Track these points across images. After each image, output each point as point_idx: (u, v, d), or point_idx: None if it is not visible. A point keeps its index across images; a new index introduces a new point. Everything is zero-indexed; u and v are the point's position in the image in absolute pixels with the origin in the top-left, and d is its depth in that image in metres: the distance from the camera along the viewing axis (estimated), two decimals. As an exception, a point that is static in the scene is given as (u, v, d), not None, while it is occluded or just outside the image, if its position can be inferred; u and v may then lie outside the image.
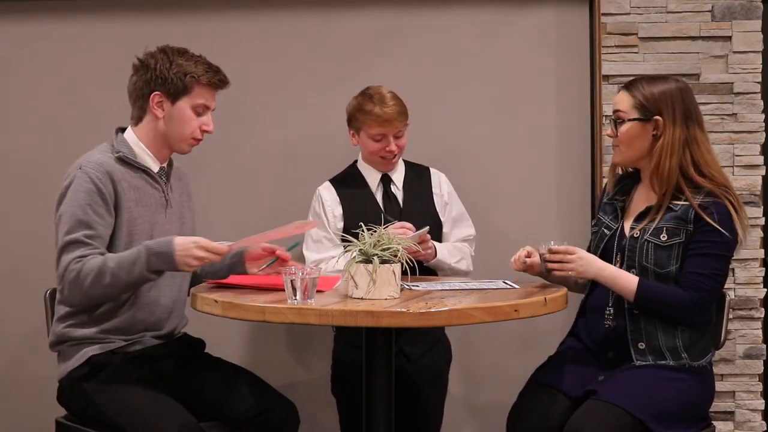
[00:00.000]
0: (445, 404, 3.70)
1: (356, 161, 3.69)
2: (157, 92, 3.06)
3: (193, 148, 3.15)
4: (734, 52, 3.83)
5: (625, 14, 3.84)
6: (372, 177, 3.64)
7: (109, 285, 2.92)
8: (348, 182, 3.65)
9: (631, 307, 3.01)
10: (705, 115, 3.79)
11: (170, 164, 3.20)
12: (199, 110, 3.09)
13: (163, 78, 3.05)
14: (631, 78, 3.20)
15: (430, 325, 2.67)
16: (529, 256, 3.13)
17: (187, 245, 2.91)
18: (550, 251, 3.02)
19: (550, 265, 3.01)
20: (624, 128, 3.06)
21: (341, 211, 3.59)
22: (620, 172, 3.21)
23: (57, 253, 2.96)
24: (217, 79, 3.09)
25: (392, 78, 3.95)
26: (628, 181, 3.18)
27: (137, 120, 3.12)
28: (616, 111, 3.09)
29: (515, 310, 2.75)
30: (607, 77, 3.82)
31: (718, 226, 2.96)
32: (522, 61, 3.98)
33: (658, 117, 3.04)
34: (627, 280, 2.99)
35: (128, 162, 3.07)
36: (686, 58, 3.84)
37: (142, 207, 3.07)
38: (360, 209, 3.53)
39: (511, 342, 3.97)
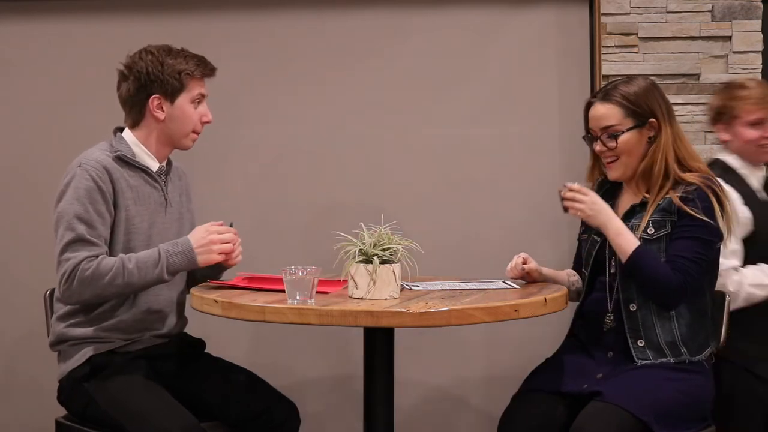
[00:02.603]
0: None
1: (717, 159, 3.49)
2: (155, 95, 3.06)
3: (193, 145, 3.16)
4: (734, 52, 3.83)
5: (625, 14, 3.84)
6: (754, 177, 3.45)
7: (125, 284, 2.93)
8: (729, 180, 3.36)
9: (627, 303, 3.02)
10: (705, 115, 3.82)
11: (169, 163, 3.20)
12: (197, 100, 3.11)
13: (159, 80, 3.05)
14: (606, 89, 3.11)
15: (430, 325, 2.67)
16: (525, 262, 3.14)
17: (201, 235, 2.99)
18: (568, 188, 3.02)
19: (566, 203, 3.02)
20: (624, 139, 3.03)
21: (748, 214, 3.34)
22: (599, 177, 3.20)
23: (59, 250, 2.95)
24: (208, 70, 3.13)
25: (392, 78, 3.96)
26: (609, 187, 3.17)
27: (133, 124, 3.12)
28: (607, 127, 3.03)
29: (515, 310, 2.75)
30: (607, 77, 3.82)
31: (701, 213, 2.95)
32: (522, 61, 3.98)
33: (653, 119, 3.04)
34: (627, 241, 2.96)
35: (127, 161, 3.07)
36: (686, 58, 3.84)
37: (140, 206, 3.07)
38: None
39: (510, 342, 3.97)
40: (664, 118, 3.04)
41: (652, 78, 3.15)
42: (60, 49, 4.01)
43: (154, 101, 3.07)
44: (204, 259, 2.98)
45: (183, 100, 3.08)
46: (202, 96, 3.12)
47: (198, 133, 3.14)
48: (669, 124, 3.04)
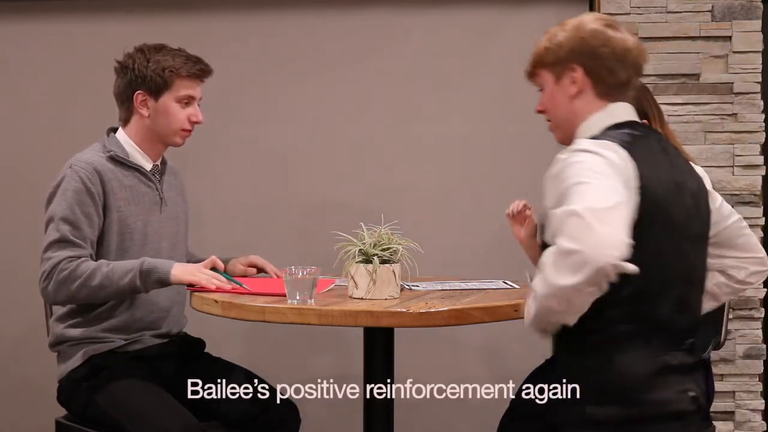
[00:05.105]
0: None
1: None
2: (139, 91, 3.05)
3: (186, 143, 3.13)
4: (734, 52, 3.83)
5: (625, 14, 3.84)
6: None
7: (98, 287, 2.91)
8: None
9: None
10: (705, 115, 3.83)
11: (164, 162, 3.20)
12: (185, 102, 3.08)
13: (142, 77, 3.04)
14: None
15: (430, 325, 2.67)
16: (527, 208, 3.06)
17: (188, 267, 2.94)
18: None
19: None
20: None
21: None
22: None
23: (42, 249, 2.95)
24: (197, 69, 3.07)
25: (392, 78, 3.96)
26: None
27: (125, 121, 3.12)
28: None
29: (515, 310, 2.75)
30: (607, 77, 3.82)
31: None
32: (522, 61, 3.95)
33: (645, 120, 3.06)
34: None
35: (120, 161, 3.06)
36: (686, 58, 3.84)
37: (135, 206, 3.06)
38: None
39: (510, 342, 3.97)
40: (656, 121, 3.06)
41: (653, 77, 3.16)
42: (60, 49, 4.01)
43: (138, 97, 3.06)
44: (181, 271, 2.92)
45: (167, 99, 3.06)
46: (191, 98, 3.08)
47: (188, 131, 3.10)
48: (661, 127, 3.07)
